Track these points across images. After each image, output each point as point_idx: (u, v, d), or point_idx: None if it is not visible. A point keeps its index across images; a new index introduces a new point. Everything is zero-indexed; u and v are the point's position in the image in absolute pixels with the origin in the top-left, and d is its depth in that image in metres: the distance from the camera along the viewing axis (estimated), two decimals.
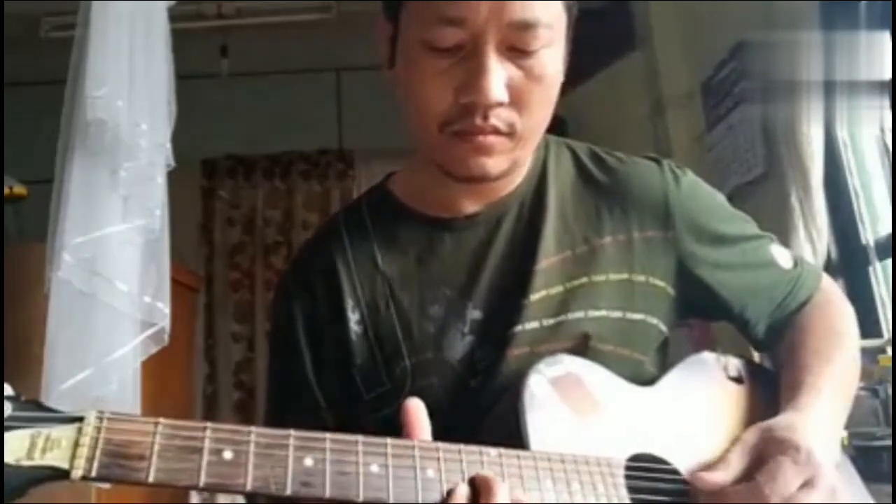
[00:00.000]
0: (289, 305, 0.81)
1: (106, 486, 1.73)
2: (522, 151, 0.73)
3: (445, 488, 0.56)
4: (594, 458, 0.64)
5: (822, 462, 0.65)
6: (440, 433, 0.60)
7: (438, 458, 0.57)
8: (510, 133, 0.70)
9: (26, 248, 2.03)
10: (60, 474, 0.47)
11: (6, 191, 2.19)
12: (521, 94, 0.69)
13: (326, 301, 0.80)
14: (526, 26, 0.66)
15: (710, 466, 0.68)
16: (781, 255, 0.86)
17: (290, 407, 0.80)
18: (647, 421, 0.72)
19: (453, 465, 0.58)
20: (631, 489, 0.65)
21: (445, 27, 0.66)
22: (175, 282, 1.89)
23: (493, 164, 0.71)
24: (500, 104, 0.68)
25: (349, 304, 0.79)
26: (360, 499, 0.53)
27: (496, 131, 0.69)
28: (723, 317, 0.85)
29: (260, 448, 0.52)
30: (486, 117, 0.68)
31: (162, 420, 0.51)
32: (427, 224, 0.81)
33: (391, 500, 0.54)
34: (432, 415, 0.74)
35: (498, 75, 0.67)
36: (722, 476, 0.66)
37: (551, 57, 0.70)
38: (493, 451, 0.60)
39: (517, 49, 0.67)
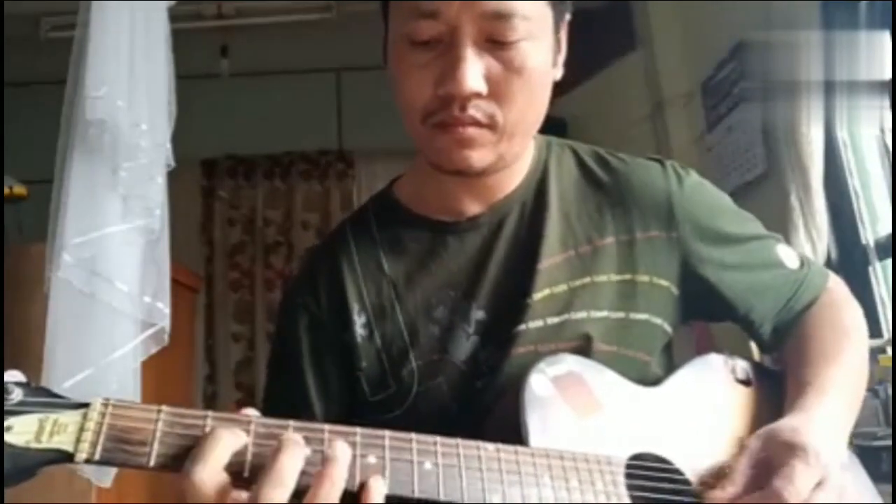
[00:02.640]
0: (293, 311, 0.82)
1: (107, 484, 1.73)
2: (508, 146, 0.73)
3: (443, 481, 0.57)
4: (593, 455, 0.64)
5: (830, 462, 0.65)
6: (446, 434, 0.60)
7: (436, 452, 0.58)
8: (491, 125, 0.70)
9: (26, 248, 2.03)
10: (66, 457, 0.49)
11: (6, 191, 2.19)
12: (501, 86, 0.69)
13: (332, 304, 0.80)
14: (500, 16, 0.67)
15: (716, 481, 0.67)
16: (787, 256, 0.86)
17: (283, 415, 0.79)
18: (650, 421, 0.72)
19: (451, 459, 0.58)
20: (631, 488, 0.65)
21: (422, 20, 0.68)
22: (175, 282, 1.89)
23: (477, 157, 0.72)
24: (478, 95, 0.68)
25: (355, 307, 0.79)
26: (357, 488, 0.54)
27: (475, 123, 0.70)
28: (728, 318, 0.85)
29: (259, 437, 0.53)
30: (463, 108, 0.69)
31: (164, 408, 0.52)
32: (431, 227, 0.81)
33: (388, 491, 0.55)
34: (439, 416, 0.74)
35: (474, 66, 0.67)
36: (732, 490, 0.66)
37: (533, 50, 0.70)
38: (490, 447, 0.60)
39: (496, 41, 0.68)
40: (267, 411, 0.82)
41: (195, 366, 3.04)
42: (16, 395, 0.49)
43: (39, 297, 1.67)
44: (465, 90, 0.67)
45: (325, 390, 0.79)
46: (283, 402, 0.81)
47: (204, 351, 3.15)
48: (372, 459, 0.55)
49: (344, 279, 0.80)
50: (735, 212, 0.87)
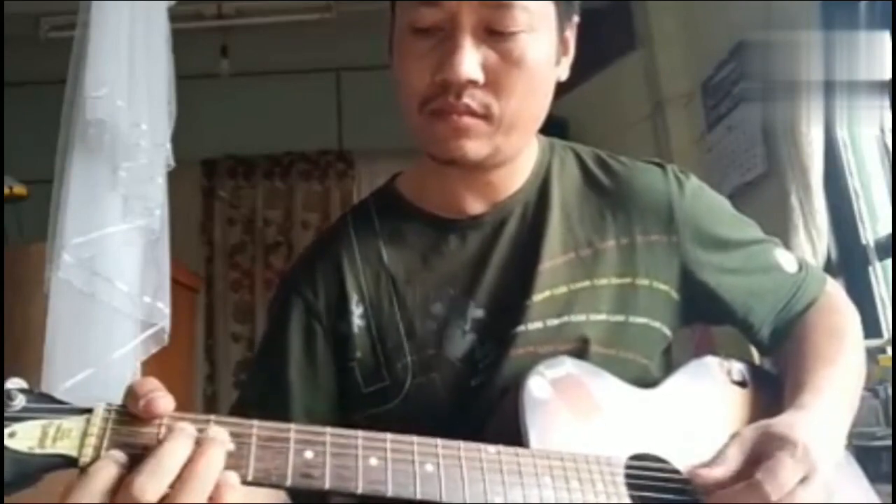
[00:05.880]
0: (287, 298, 0.82)
1: None
2: (506, 139, 0.73)
3: (444, 483, 0.57)
4: (594, 456, 0.64)
5: (818, 459, 0.65)
6: (441, 430, 0.60)
7: (437, 454, 0.58)
8: (486, 116, 0.71)
9: (26, 248, 2.03)
10: (69, 462, 0.49)
11: (6, 191, 2.19)
12: (498, 77, 0.70)
13: (330, 293, 0.80)
14: (500, 6, 0.68)
15: (708, 462, 0.68)
16: (785, 259, 0.87)
17: (258, 402, 0.79)
18: (648, 423, 0.72)
19: (452, 461, 0.58)
20: (630, 487, 0.65)
21: (423, 7, 0.69)
22: (175, 282, 1.88)
23: (472, 148, 0.72)
24: (474, 83, 0.69)
25: (353, 297, 0.79)
26: (360, 491, 0.54)
27: (470, 112, 0.70)
28: (727, 321, 0.86)
29: (262, 441, 0.53)
30: (459, 96, 0.69)
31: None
32: (433, 224, 0.82)
33: (390, 493, 0.55)
34: (432, 411, 0.74)
35: (470, 54, 0.68)
36: (720, 471, 0.66)
37: (533, 43, 0.70)
38: (491, 449, 0.60)
39: (495, 31, 0.69)
40: (243, 393, 0.82)
41: (195, 366, 3.03)
42: (18, 401, 0.49)
43: (39, 297, 1.66)
44: (460, 77, 0.68)
45: (313, 378, 0.79)
46: (261, 384, 0.81)
47: (204, 351, 3.15)
48: (374, 462, 0.55)
49: (343, 269, 0.81)
50: (734, 216, 0.87)
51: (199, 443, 0.51)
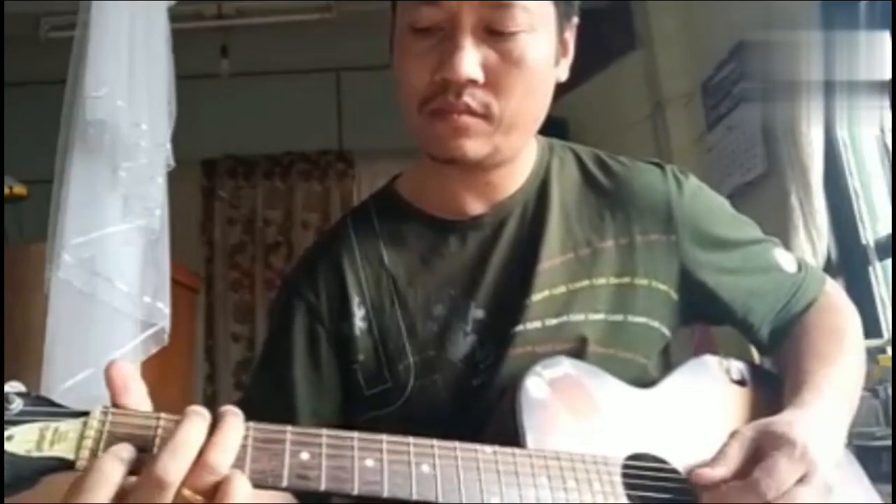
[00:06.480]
0: (290, 301, 0.82)
1: None
2: (505, 139, 0.74)
3: (440, 483, 0.57)
4: (591, 456, 0.64)
5: (817, 458, 0.64)
6: (442, 432, 0.60)
7: (433, 455, 0.58)
8: (486, 115, 0.71)
9: (26, 248, 2.03)
10: (66, 465, 0.49)
11: (6, 191, 2.19)
12: (498, 77, 0.70)
13: (332, 296, 0.80)
14: (500, 6, 0.68)
15: (709, 462, 0.68)
16: (785, 259, 0.87)
17: (263, 404, 0.78)
18: (646, 423, 0.72)
19: (448, 461, 0.58)
20: (628, 487, 0.65)
21: (424, 7, 0.70)
22: (175, 282, 1.88)
23: (471, 147, 0.72)
24: (473, 82, 0.69)
25: (355, 300, 0.79)
26: (356, 492, 0.54)
27: (470, 111, 0.70)
28: (726, 321, 0.86)
29: (258, 442, 0.53)
30: (458, 95, 0.69)
31: (164, 415, 0.52)
32: (433, 225, 0.82)
33: (386, 494, 0.55)
34: (434, 412, 0.74)
35: (470, 54, 0.69)
36: (722, 471, 0.66)
37: (532, 43, 0.71)
38: (488, 449, 0.60)
39: (495, 31, 0.69)
40: (247, 395, 0.82)
41: (195, 366, 3.03)
42: (16, 405, 0.49)
43: (39, 297, 1.66)
44: (460, 76, 0.68)
45: (318, 381, 0.79)
46: (266, 387, 0.81)
47: (204, 351, 3.15)
48: (370, 462, 0.55)
49: (344, 271, 0.81)
50: (733, 216, 0.87)
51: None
